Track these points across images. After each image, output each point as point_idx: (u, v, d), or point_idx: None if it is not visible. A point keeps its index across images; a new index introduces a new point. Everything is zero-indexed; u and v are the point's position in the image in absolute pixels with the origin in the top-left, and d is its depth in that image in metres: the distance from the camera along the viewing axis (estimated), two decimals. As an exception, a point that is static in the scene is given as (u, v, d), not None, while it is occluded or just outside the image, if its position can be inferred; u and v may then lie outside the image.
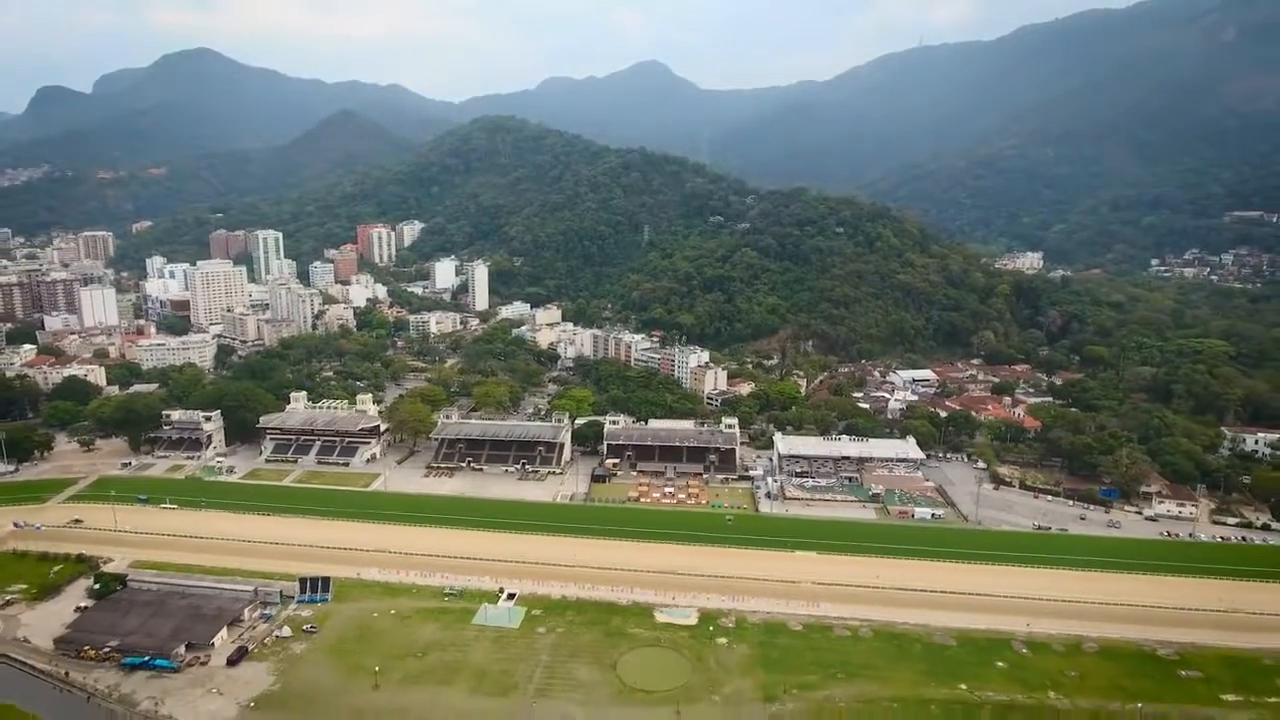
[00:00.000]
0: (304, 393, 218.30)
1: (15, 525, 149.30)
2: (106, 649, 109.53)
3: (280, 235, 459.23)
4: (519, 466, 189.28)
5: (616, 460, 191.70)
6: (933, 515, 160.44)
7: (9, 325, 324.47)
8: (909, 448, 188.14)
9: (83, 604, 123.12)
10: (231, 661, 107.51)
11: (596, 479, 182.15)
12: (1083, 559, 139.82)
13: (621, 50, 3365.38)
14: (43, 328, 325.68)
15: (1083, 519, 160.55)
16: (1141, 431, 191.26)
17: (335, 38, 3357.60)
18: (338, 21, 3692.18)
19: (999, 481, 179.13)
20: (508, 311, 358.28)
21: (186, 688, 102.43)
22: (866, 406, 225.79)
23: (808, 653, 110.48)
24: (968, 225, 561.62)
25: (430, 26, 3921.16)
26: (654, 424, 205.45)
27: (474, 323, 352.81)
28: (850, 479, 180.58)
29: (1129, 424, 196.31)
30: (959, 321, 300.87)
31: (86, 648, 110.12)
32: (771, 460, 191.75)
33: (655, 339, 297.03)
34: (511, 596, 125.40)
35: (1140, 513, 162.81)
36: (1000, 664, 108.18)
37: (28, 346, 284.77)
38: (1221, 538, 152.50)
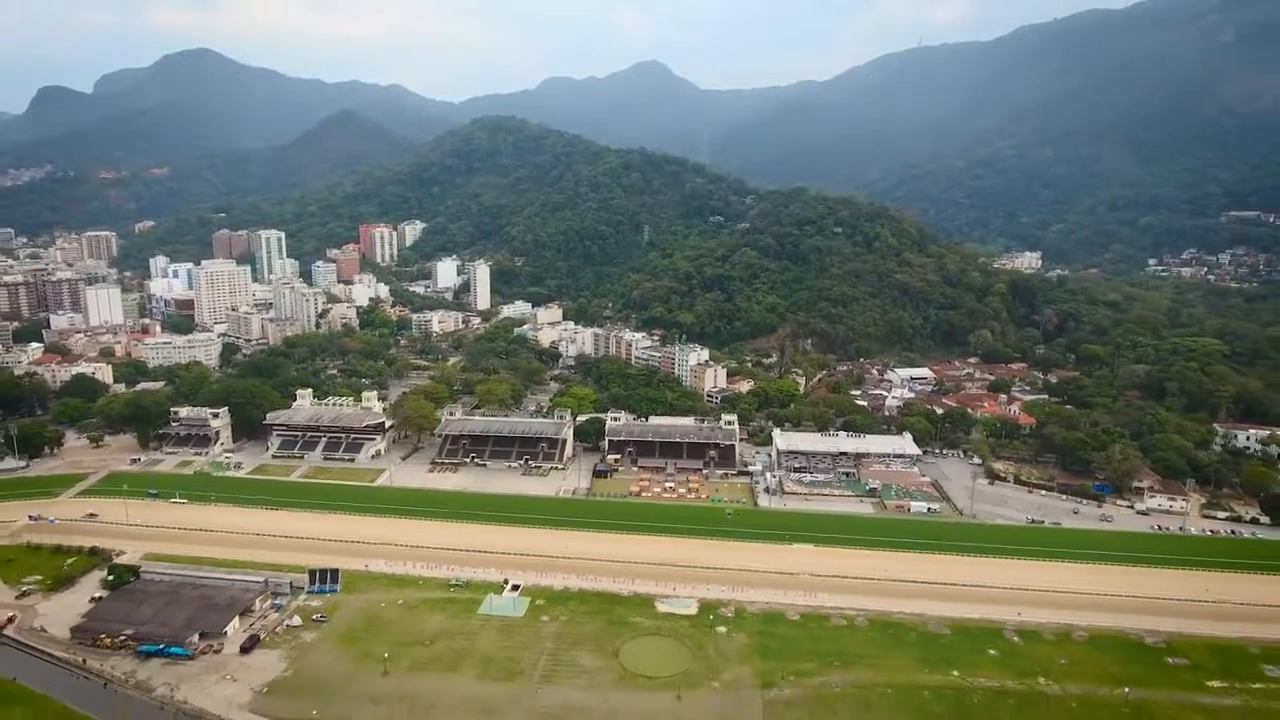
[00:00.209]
0: (310, 390, 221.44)
1: (30, 519, 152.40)
2: (122, 637, 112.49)
3: (283, 235, 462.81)
4: (522, 462, 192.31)
5: (618, 456, 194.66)
6: (928, 509, 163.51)
7: (15, 324, 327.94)
8: (905, 444, 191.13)
9: (97, 595, 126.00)
10: (244, 649, 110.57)
11: (598, 474, 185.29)
12: (1075, 552, 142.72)
13: (621, 50, 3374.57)
14: (48, 326, 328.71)
15: (1076, 513, 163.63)
16: (1134, 428, 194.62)
17: (335, 38, 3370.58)
18: (338, 21, 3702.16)
19: (994, 477, 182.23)
20: (509, 310, 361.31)
21: (201, 674, 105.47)
22: (864, 404, 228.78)
23: (805, 641, 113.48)
24: (966, 225, 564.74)
25: (430, 26, 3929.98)
26: (655, 421, 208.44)
27: (476, 322, 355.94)
28: (848, 474, 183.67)
29: (1122, 420, 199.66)
30: (956, 320, 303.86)
31: (103, 636, 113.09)
32: (770, 456, 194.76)
33: (656, 337, 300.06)
34: (516, 587, 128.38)
35: (1132, 507, 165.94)
36: (992, 652, 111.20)
37: (35, 345, 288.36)
38: (1211, 531, 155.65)
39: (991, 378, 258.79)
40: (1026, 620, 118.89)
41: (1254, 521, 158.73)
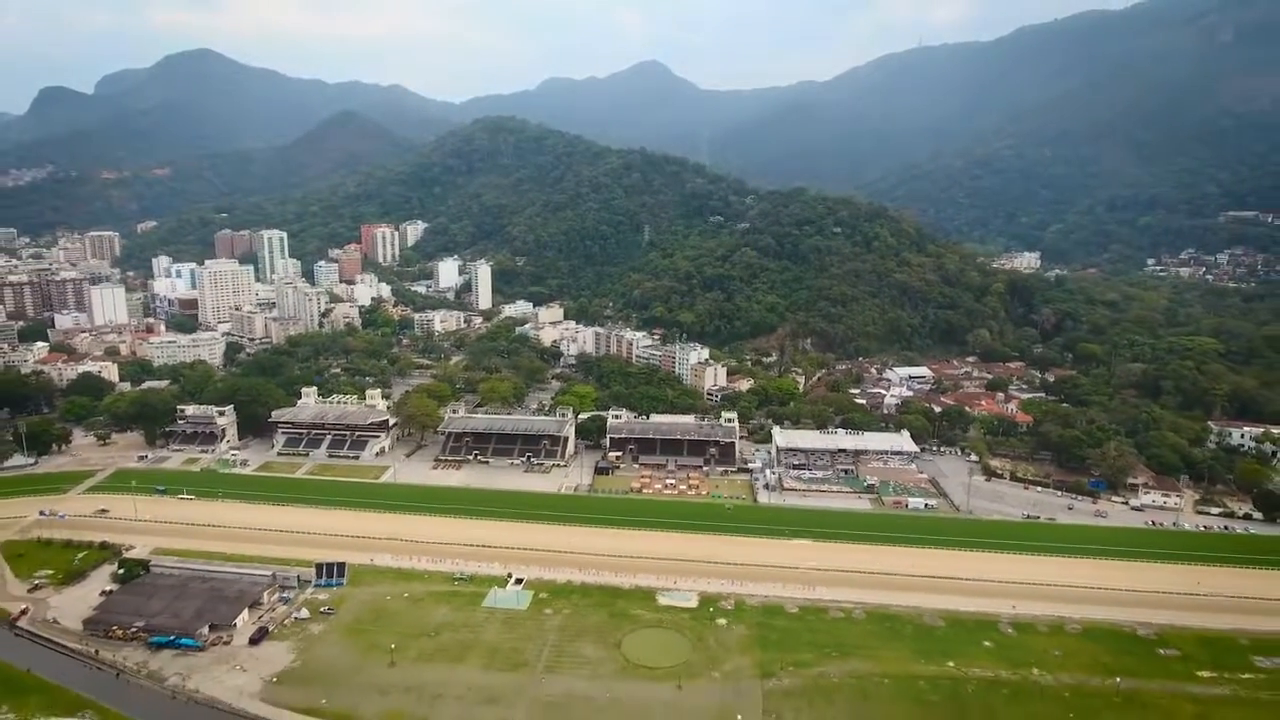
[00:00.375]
0: (314, 388, 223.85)
1: (41, 514, 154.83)
2: (134, 629, 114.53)
3: (285, 235, 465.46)
4: (524, 459, 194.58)
5: (619, 453, 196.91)
6: (925, 505, 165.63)
7: (20, 323, 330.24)
8: (903, 441, 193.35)
9: (108, 588, 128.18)
10: (253, 641, 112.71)
11: (600, 471, 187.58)
12: (1069, 546, 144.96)
13: (621, 50, 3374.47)
14: (53, 326, 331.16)
15: (1071, 509, 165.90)
16: (1130, 425, 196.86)
17: (336, 38, 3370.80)
18: (338, 21, 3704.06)
19: (990, 473, 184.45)
20: (511, 310, 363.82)
21: (211, 665, 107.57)
22: (863, 402, 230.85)
23: (804, 633, 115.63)
24: (966, 225, 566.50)
25: (430, 26, 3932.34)
26: (656, 419, 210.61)
27: (477, 321, 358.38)
28: (846, 471, 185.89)
29: (1118, 418, 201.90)
30: (955, 320, 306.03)
31: (114, 628, 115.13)
32: (770, 453, 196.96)
33: (656, 336, 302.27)
34: (519, 581, 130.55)
35: (1127, 503, 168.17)
36: (987, 643, 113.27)
37: (40, 344, 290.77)
38: (1204, 526, 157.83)
39: (989, 376, 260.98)
40: (1021, 613, 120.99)
41: (1247, 517, 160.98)
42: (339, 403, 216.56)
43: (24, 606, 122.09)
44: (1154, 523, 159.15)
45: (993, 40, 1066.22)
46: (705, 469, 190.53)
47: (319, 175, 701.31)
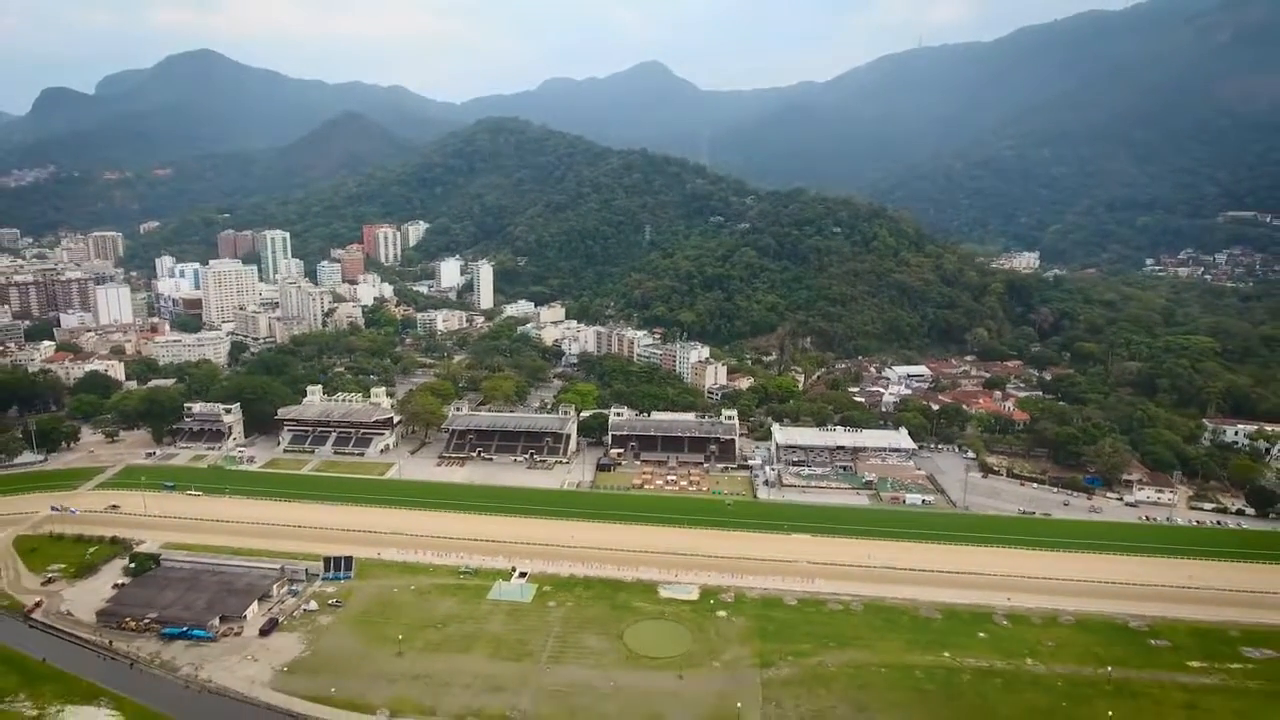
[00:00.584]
0: (319, 386, 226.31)
1: (52, 509, 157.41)
2: (146, 620, 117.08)
3: (287, 235, 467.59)
4: (527, 456, 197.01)
5: (621, 450, 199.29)
6: (923, 501, 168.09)
7: (26, 323, 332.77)
8: (901, 438, 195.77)
9: (120, 581, 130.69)
10: (263, 632, 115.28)
11: (602, 468, 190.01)
12: (1064, 541, 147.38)
13: (621, 50, 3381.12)
14: (59, 325, 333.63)
15: (1066, 505, 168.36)
16: (1125, 423, 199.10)
17: (336, 38, 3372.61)
18: (339, 22, 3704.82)
19: (987, 470, 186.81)
20: (512, 309, 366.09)
21: (223, 655, 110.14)
22: (862, 400, 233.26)
23: (802, 624, 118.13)
24: (965, 225, 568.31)
25: (431, 27, 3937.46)
26: (657, 416, 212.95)
27: (479, 321, 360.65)
28: (845, 468, 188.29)
29: (1114, 416, 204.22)
30: (953, 319, 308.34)
31: (127, 619, 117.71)
32: (769, 450, 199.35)
33: (657, 335, 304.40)
34: (523, 574, 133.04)
35: (1121, 499, 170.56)
36: (982, 634, 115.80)
37: (47, 343, 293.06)
38: (1197, 522, 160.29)
39: (987, 375, 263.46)
40: (1015, 605, 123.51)
41: (1239, 513, 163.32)
42: (344, 401, 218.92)
43: (38, 599, 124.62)
44: (1148, 518, 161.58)
45: (992, 41, 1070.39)
46: (706, 466, 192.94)
47: (321, 176, 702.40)
